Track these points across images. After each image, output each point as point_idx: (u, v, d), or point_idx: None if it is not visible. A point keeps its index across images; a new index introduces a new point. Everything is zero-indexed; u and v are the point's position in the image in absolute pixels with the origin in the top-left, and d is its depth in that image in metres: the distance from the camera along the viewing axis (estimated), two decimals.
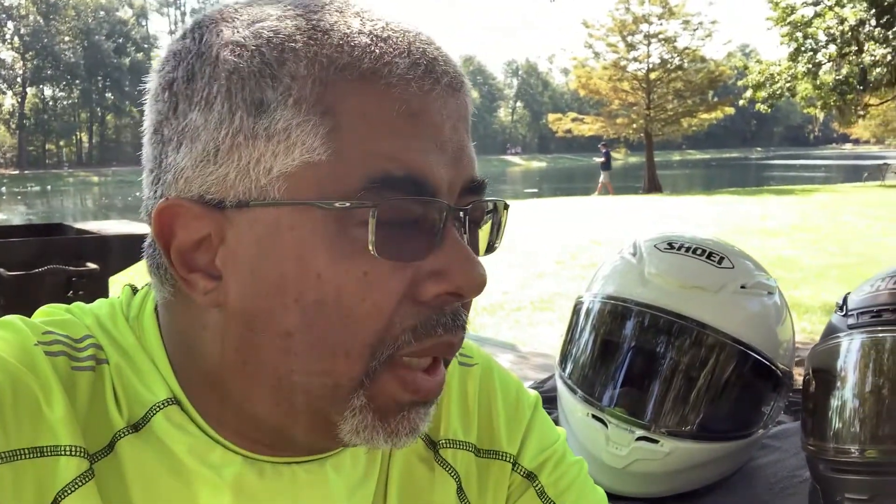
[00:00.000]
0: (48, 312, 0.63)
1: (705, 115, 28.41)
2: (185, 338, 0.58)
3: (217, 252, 0.54)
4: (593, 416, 1.15)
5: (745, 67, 22.59)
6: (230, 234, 0.53)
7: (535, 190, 30.83)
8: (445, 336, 0.55)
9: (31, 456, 0.53)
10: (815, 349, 1.10)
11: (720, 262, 1.18)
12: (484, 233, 0.61)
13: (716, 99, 30.33)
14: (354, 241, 0.52)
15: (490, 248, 0.61)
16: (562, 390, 1.23)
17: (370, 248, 0.51)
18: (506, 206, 0.62)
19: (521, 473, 0.73)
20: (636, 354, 1.15)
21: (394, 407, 0.55)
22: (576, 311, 1.26)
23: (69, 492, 0.53)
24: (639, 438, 1.11)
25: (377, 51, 0.53)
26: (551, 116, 32.13)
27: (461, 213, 0.55)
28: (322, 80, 0.52)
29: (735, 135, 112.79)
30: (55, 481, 0.53)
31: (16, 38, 66.91)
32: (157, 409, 0.57)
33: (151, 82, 0.57)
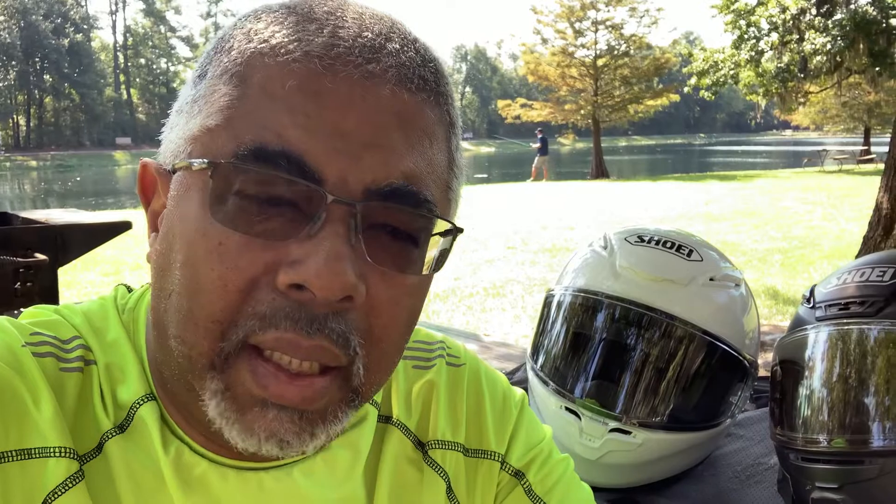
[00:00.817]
0: (35, 314, 0.62)
1: (651, 102, 28.84)
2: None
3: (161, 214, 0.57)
4: (566, 409, 1.15)
5: (690, 55, 22.92)
6: (168, 196, 0.56)
7: (485, 175, 30.90)
8: (290, 333, 0.50)
9: (19, 458, 0.52)
10: (783, 340, 1.12)
11: (689, 254, 1.20)
12: (401, 250, 0.55)
13: (661, 86, 30.81)
14: (220, 208, 0.51)
15: (406, 266, 0.55)
16: (534, 382, 1.23)
17: (208, 211, 0.51)
18: (457, 231, 0.58)
19: (509, 472, 0.73)
20: (608, 347, 1.16)
21: (249, 400, 0.52)
22: (547, 303, 1.26)
23: (59, 493, 0.52)
24: (612, 430, 1.12)
25: (302, 29, 0.53)
26: (500, 102, 32.26)
27: (353, 212, 0.51)
28: (244, 53, 0.54)
29: (679, 121, 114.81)
30: (44, 483, 0.52)
31: None
32: (137, 405, 0.57)
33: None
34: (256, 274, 0.51)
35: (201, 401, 0.52)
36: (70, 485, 0.53)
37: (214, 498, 0.57)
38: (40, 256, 2.55)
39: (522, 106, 30.36)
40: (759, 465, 1.24)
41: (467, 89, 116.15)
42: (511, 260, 8.26)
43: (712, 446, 1.24)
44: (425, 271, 0.56)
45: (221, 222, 0.51)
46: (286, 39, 0.53)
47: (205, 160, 0.52)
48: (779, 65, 17.75)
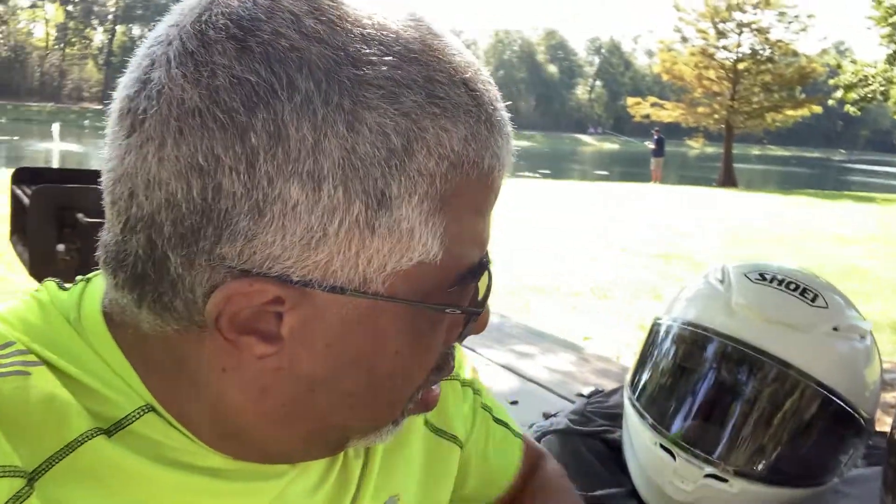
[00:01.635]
0: None
1: (791, 112, 27.50)
2: (184, 369, 0.52)
3: (284, 319, 0.49)
4: (661, 446, 1.11)
5: (839, 66, 21.78)
6: (306, 306, 0.49)
7: (606, 173, 30.36)
8: (452, 363, 0.61)
9: None
10: None
11: (814, 299, 1.13)
12: None
13: (804, 96, 29.32)
14: (433, 327, 0.55)
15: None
16: (629, 413, 1.19)
17: (459, 340, 0.59)
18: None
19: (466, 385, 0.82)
20: (713, 387, 1.11)
21: (404, 417, 0.60)
22: (652, 332, 1.22)
23: None
24: (707, 475, 1.07)
25: (493, 140, 0.52)
26: (630, 99, 31.50)
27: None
28: (445, 177, 0.49)
29: (819, 134, 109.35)
30: None
31: None
32: (137, 415, 0.52)
33: (187, 91, 0.45)
34: None
35: (347, 442, 0.59)
36: None
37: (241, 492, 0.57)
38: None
39: (653, 105, 29.55)
40: None
41: (597, 83, 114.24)
42: (621, 262, 8.10)
43: None
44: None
45: (438, 335, 0.56)
46: (489, 159, 0.52)
47: (458, 310, 0.54)
48: None
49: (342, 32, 0.46)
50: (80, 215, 2.56)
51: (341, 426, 0.56)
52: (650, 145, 23.68)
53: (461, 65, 0.50)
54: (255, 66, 0.45)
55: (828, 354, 1.10)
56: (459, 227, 0.51)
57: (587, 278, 7.19)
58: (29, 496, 0.47)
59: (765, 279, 1.16)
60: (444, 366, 0.59)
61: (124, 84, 0.49)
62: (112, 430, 0.51)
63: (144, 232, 0.47)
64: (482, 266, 0.54)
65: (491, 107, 0.52)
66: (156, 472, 0.52)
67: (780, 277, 1.16)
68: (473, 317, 0.57)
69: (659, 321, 1.22)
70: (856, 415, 1.10)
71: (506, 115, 0.54)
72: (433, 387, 0.60)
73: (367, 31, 0.47)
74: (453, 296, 0.53)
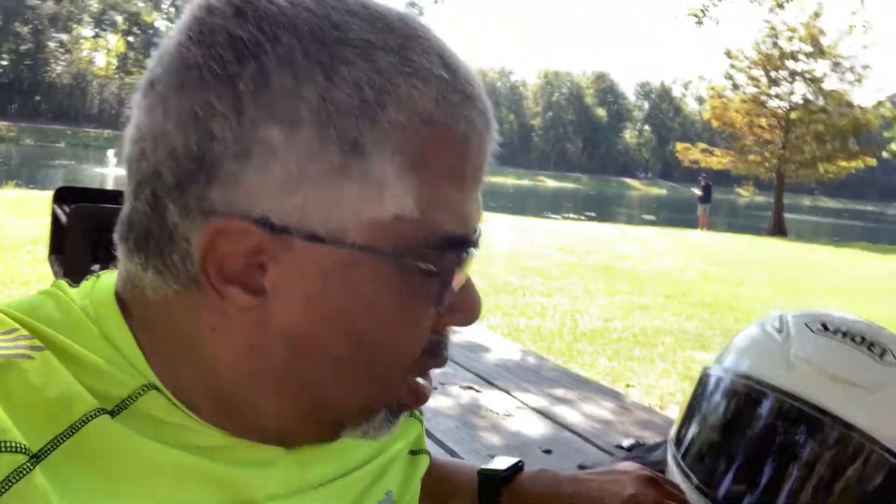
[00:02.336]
0: None
1: (844, 163, 27.06)
2: (181, 335, 0.55)
3: (267, 271, 0.52)
4: None
5: (894, 118, 21.35)
6: (288, 258, 0.52)
7: (653, 217, 30.08)
8: (445, 353, 0.60)
9: None
10: None
11: (882, 355, 1.02)
12: None
13: (857, 147, 28.82)
14: (416, 292, 0.54)
15: None
16: (673, 471, 1.09)
17: (432, 307, 0.56)
18: None
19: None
20: (767, 449, 1.00)
21: (399, 411, 0.60)
22: (701, 384, 1.12)
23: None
24: None
25: (466, 109, 0.54)
26: (679, 145, 31.35)
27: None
28: (419, 134, 0.52)
29: (874, 187, 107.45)
30: None
31: None
32: (139, 394, 0.54)
33: (191, 50, 0.51)
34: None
35: (340, 427, 0.59)
36: (12, 481, 0.46)
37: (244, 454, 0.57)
38: None
39: (703, 151, 29.34)
40: None
41: (646, 127, 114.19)
42: (667, 309, 7.91)
43: None
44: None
45: (420, 302, 0.55)
46: (464, 123, 0.54)
47: (433, 266, 0.54)
48: None
49: (329, 5, 0.52)
50: (116, 235, 2.53)
51: (331, 405, 0.56)
52: (697, 192, 23.46)
53: (440, 46, 0.54)
54: (248, 26, 0.50)
55: None
56: (436, 191, 0.53)
57: (634, 325, 7.04)
58: (30, 472, 0.47)
59: (827, 330, 1.05)
60: (436, 351, 0.59)
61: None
62: (115, 410, 0.52)
63: (150, 187, 0.52)
64: (464, 239, 0.55)
65: (468, 84, 0.55)
66: (157, 452, 0.52)
67: (844, 329, 1.05)
68: (451, 287, 0.56)
69: (709, 371, 1.12)
70: None
71: (488, 103, 0.57)
72: (423, 381, 0.60)
73: (353, 7, 0.53)
74: (432, 259, 0.54)
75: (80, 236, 2.63)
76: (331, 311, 0.53)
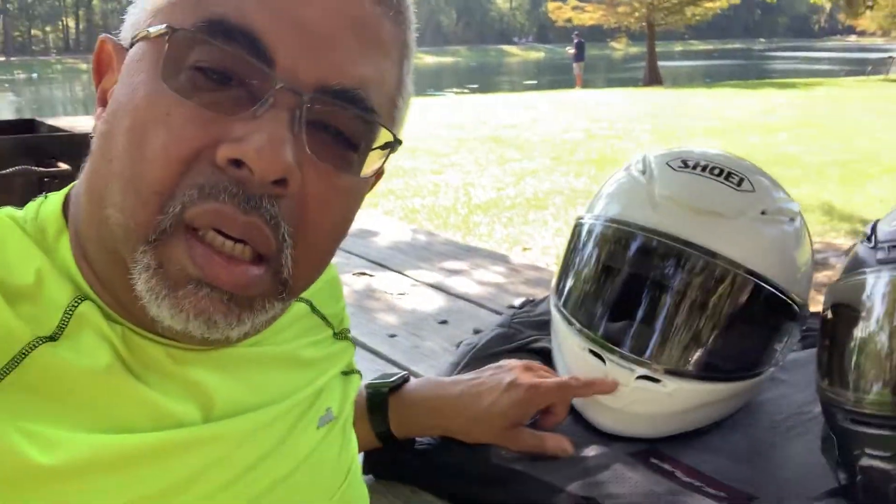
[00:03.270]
0: None
1: (710, 4, 27.61)
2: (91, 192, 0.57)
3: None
4: (590, 351, 1.05)
5: None
6: (118, 69, 0.58)
7: (534, 82, 30.17)
8: (229, 206, 0.52)
9: None
10: (837, 283, 1.00)
11: (740, 183, 1.06)
12: (340, 151, 0.57)
13: None
14: (173, 77, 0.53)
15: (343, 167, 0.57)
16: (557, 320, 1.12)
17: (160, 77, 0.53)
18: (396, 142, 0.60)
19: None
20: (640, 285, 1.04)
21: (183, 278, 0.53)
22: (575, 233, 1.15)
23: None
24: (639, 377, 1.02)
25: None
26: (551, 4, 31.21)
27: (300, 102, 0.53)
28: None
29: (739, 25, 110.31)
30: None
31: None
32: (72, 308, 0.54)
33: None
34: (199, 146, 0.52)
35: (130, 276, 0.53)
36: None
37: (187, 375, 0.58)
38: (63, 166, 2.48)
39: (574, 8, 29.31)
40: (802, 414, 1.13)
41: None
42: (555, 170, 8.08)
43: (750, 397, 1.13)
44: (363, 177, 0.59)
45: (173, 90, 0.52)
46: None
47: (164, 25, 0.53)
48: None
49: None
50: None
51: (107, 219, 0.54)
52: (570, 51, 23.57)
53: None
54: None
55: (756, 240, 1.04)
56: None
57: (525, 190, 7.16)
58: None
59: (687, 166, 1.09)
60: (209, 189, 0.52)
61: None
62: (55, 335, 0.53)
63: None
64: (232, 30, 0.52)
65: None
66: (96, 365, 0.53)
67: (703, 163, 1.09)
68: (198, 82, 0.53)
69: (581, 220, 1.14)
70: (788, 300, 1.06)
71: None
72: (224, 253, 0.53)
73: None
74: (197, 41, 0.53)
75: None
76: (116, 105, 0.55)
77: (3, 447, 0.48)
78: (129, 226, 0.53)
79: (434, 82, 32.32)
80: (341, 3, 0.55)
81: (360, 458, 0.91)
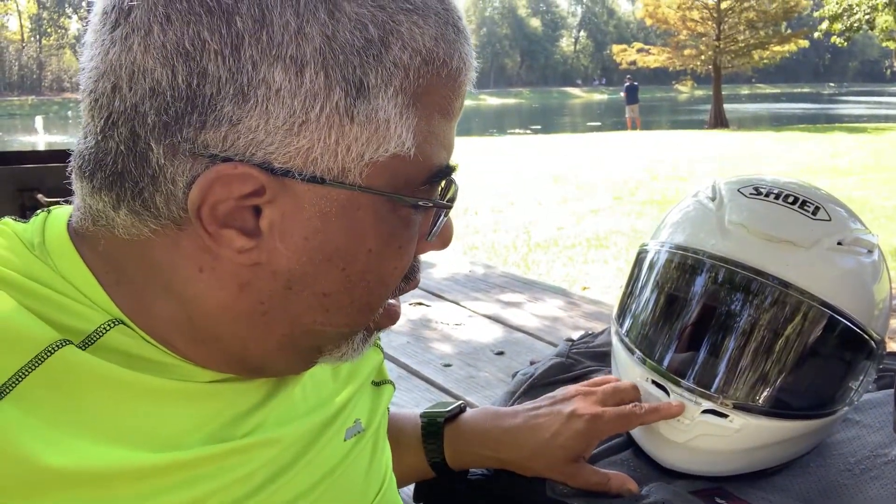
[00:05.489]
0: None
1: (778, 48, 27.25)
2: (156, 273, 0.53)
3: (263, 213, 0.51)
4: (653, 382, 1.01)
5: None
6: (286, 199, 0.51)
7: (598, 123, 30.11)
8: (419, 276, 0.62)
9: None
10: None
11: (815, 212, 1.01)
12: None
13: (789, 30, 29.00)
14: (406, 223, 0.55)
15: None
16: (618, 349, 1.08)
17: (427, 238, 0.59)
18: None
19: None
20: (707, 315, 1.00)
21: (375, 331, 0.62)
22: (638, 260, 1.11)
23: None
24: (705, 411, 0.97)
25: (459, 44, 0.54)
26: (616, 47, 31.26)
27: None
28: (419, 72, 0.51)
29: (808, 68, 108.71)
30: None
31: None
32: (106, 328, 0.52)
33: None
34: None
35: (327, 353, 0.60)
36: None
37: (227, 400, 0.58)
38: None
39: (639, 51, 29.29)
40: (877, 457, 1.06)
41: (581, 33, 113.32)
42: (617, 210, 7.99)
43: (823, 436, 1.06)
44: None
45: (408, 232, 0.57)
46: (457, 61, 0.54)
47: (429, 201, 0.56)
48: None
49: None
50: (40, 196, 2.48)
51: (315, 332, 0.57)
52: (623, 95, 23.56)
53: None
54: None
55: (832, 271, 0.99)
56: (430, 125, 0.53)
57: (586, 230, 7.09)
58: None
59: (760, 193, 1.04)
60: (412, 275, 0.60)
61: None
62: (83, 344, 0.51)
63: (127, 125, 0.49)
64: (450, 168, 0.56)
65: (457, 15, 0.54)
66: (130, 377, 0.51)
67: (776, 191, 1.04)
68: (442, 218, 0.59)
69: (645, 247, 1.11)
70: (864, 335, 1.00)
71: (468, 29, 0.57)
72: (395, 301, 0.62)
73: None
74: (424, 194, 0.55)
75: (3, 199, 2.55)
76: (328, 251, 0.53)
77: (17, 452, 0.46)
78: (354, 331, 0.60)
79: (497, 123, 32.54)
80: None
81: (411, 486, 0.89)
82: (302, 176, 0.50)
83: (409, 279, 0.61)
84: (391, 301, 0.61)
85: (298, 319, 0.55)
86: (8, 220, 0.58)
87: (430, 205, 0.56)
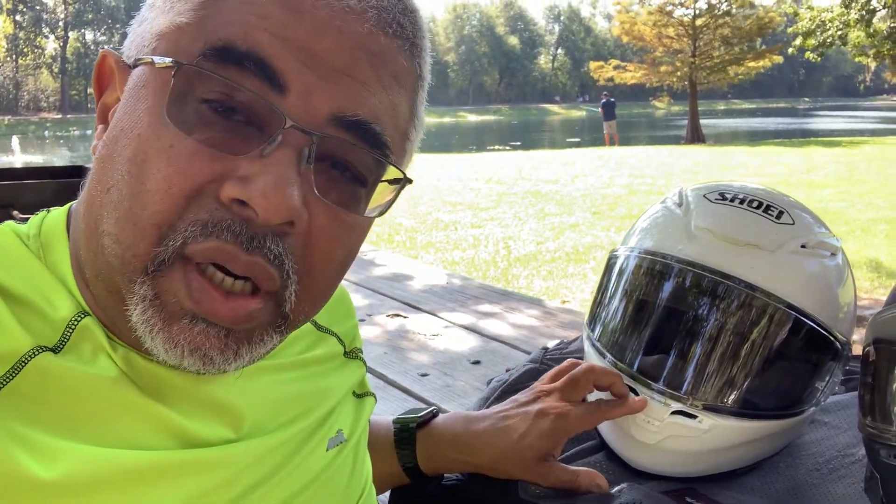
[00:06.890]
0: None
1: (752, 64, 27.60)
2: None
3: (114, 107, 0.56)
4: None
5: (796, 14, 21.80)
6: (121, 89, 0.56)
7: (577, 139, 30.31)
8: (231, 245, 0.51)
9: None
10: (879, 317, 0.96)
11: (779, 216, 1.04)
12: (348, 187, 0.56)
13: (764, 47, 29.43)
14: (178, 110, 0.51)
15: (350, 204, 0.56)
16: (589, 353, 1.10)
17: (164, 111, 0.51)
18: (406, 181, 0.59)
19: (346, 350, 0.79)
20: (676, 318, 1.02)
21: (179, 311, 0.52)
22: (608, 266, 1.13)
23: None
24: (674, 412, 0.99)
25: None
26: (593, 64, 31.54)
27: (310, 141, 0.52)
28: None
29: (783, 84, 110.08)
30: None
31: None
32: (73, 324, 0.54)
33: None
34: (202, 182, 0.50)
35: (126, 307, 0.52)
36: None
37: (185, 395, 0.57)
38: None
39: (616, 68, 29.55)
40: (845, 456, 1.08)
41: (559, 51, 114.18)
42: (596, 225, 8.04)
43: (791, 436, 1.08)
44: (368, 214, 0.58)
45: (176, 124, 0.50)
46: None
47: (169, 59, 0.51)
48: (892, 24, 16.66)
49: None
50: (15, 212, 2.48)
51: (104, 249, 0.52)
52: (600, 111, 23.81)
53: None
54: None
55: (796, 273, 1.02)
56: (225, 5, 0.52)
57: (566, 244, 7.13)
58: None
59: (725, 199, 1.07)
60: (211, 227, 0.50)
61: None
62: (56, 347, 0.52)
63: None
64: (240, 57, 0.51)
65: None
66: (100, 384, 0.52)
67: (742, 196, 1.07)
68: (202, 114, 0.52)
69: (615, 253, 1.13)
70: (830, 336, 1.02)
71: None
72: (223, 288, 0.52)
73: None
74: (200, 67, 0.51)
75: None
76: (116, 132, 0.54)
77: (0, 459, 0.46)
78: (125, 257, 0.51)
79: (476, 140, 32.65)
80: (356, 37, 0.53)
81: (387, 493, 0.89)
82: (130, 63, 0.56)
83: (209, 231, 0.51)
84: (200, 279, 0.52)
85: (95, 221, 0.53)
86: (10, 222, 0.60)
87: (166, 63, 0.51)
